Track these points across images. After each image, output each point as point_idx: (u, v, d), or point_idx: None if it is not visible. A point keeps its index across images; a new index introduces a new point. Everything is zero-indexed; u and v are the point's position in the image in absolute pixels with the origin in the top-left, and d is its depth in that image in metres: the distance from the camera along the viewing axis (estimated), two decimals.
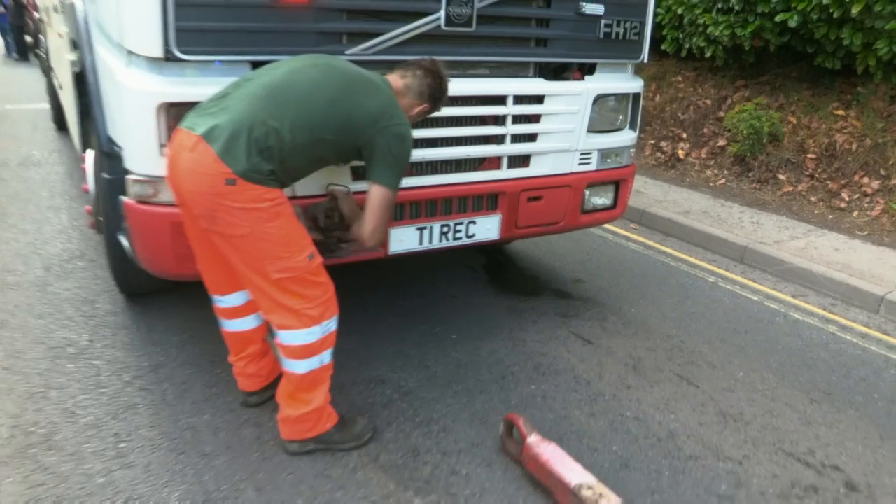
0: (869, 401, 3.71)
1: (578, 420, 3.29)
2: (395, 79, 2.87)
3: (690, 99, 8.66)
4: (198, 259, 2.90)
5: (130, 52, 2.78)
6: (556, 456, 2.74)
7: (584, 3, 3.59)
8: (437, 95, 2.93)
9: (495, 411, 3.29)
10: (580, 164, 3.92)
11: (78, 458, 2.83)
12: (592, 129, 3.92)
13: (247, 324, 3.09)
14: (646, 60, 4.07)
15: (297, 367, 2.76)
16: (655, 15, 8.20)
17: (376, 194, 2.75)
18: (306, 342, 2.71)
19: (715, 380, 3.79)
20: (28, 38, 20.10)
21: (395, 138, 2.71)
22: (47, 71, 10.01)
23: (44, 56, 12.30)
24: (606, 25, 3.73)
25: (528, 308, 4.47)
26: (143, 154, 2.85)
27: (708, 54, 8.01)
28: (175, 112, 2.78)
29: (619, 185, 4.21)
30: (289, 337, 2.71)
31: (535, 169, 3.78)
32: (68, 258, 4.84)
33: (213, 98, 2.59)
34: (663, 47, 8.67)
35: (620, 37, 3.82)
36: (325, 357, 2.82)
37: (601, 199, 4.15)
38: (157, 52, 2.69)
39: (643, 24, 3.92)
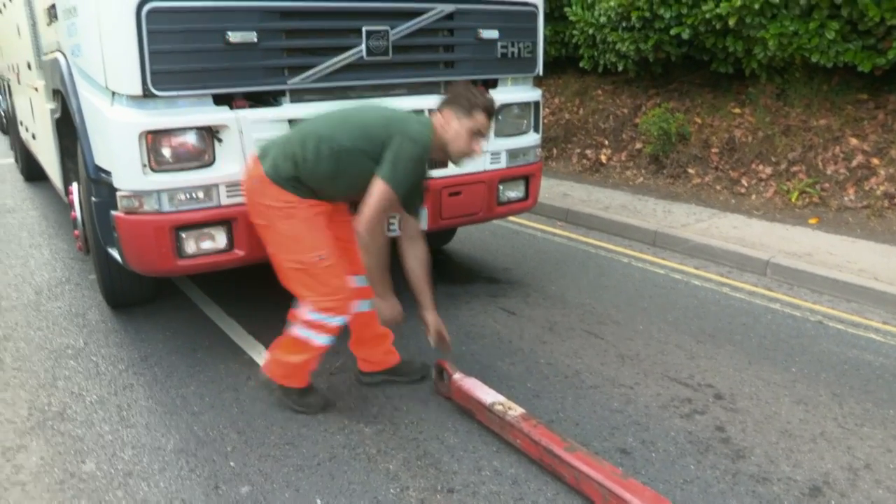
0: (745, 339, 4.48)
1: (500, 368, 4.01)
2: (436, 115, 3.23)
3: (610, 109, 9.54)
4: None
5: (114, 93, 3.50)
6: (475, 385, 3.44)
7: (481, 30, 4.37)
8: (477, 101, 3.15)
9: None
10: (492, 162, 4.68)
11: (88, 424, 3.47)
12: (500, 134, 4.68)
13: (362, 306, 3.53)
14: (541, 74, 4.87)
15: (293, 328, 3.30)
16: (571, 36, 9.15)
17: (374, 186, 3.06)
18: (308, 317, 3.24)
19: (618, 333, 4.54)
20: None
21: (406, 139, 3.05)
22: (11, 128, 10.60)
23: (4, 114, 12.84)
24: (503, 47, 4.52)
25: (462, 292, 5.20)
26: (129, 173, 3.54)
27: (620, 68, 8.91)
28: (152, 138, 3.50)
29: (528, 179, 4.97)
30: (299, 307, 3.28)
31: (454, 169, 4.52)
32: (56, 283, 5.47)
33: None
34: (582, 65, 9.56)
35: (516, 55, 4.61)
36: (319, 338, 3.28)
37: (514, 192, 4.91)
38: (137, 90, 3.41)
39: (535, 44, 4.72)
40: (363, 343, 3.71)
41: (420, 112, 3.90)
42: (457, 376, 3.52)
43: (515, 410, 3.22)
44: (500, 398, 3.33)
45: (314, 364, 3.46)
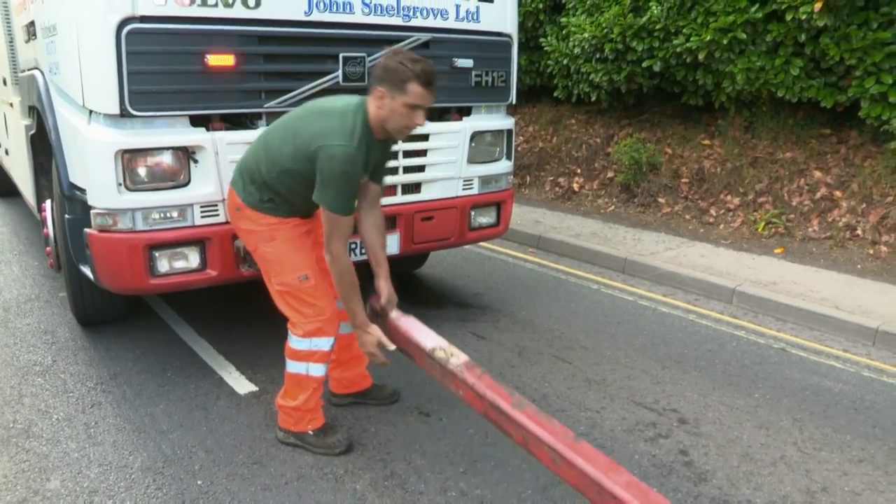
0: (710, 364, 4.57)
1: None
2: (371, 94, 3.03)
3: (583, 138, 9.69)
4: None
5: (92, 111, 3.53)
6: (414, 326, 3.24)
7: (456, 59, 4.47)
8: (410, 74, 2.90)
9: (399, 388, 4.01)
10: (464, 189, 4.76)
11: (54, 442, 3.46)
12: (473, 160, 4.77)
13: (344, 328, 3.48)
14: (514, 102, 4.97)
15: (288, 365, 3.31)
16: (546, 66, 9.30)
17: (322, 215, 3.06)
18: (295, 347, 3.27)
19: (586, 358, 4.61)
20: None
21: (327, 157, 2.92)
22: None
23: None
24: (477, 76, 4.62)
25: (433, 316, 5.24)
26: (104, 192, 3.57)
27: (594, 98, 9.06)
28: (128, 157, 3.53)
29: (500, 205, 5.05)
30: (289, 337, 3.28)
31: (426, 194, 4.60)
32: (25, 300, 5.44)
33: None
34: (556, 94, 9.71)
35: (490, 84, 4.71)
36: (312, 369, 3.27)
37: (485, 218, 4.99)
38: (115, 109, 3.45)
39: (508, 74, 4.83)
40: (340, 364, 3.71)
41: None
42: (393, 315, 3.33)
43: (459, 357, 2.99)
44: (443, 342, 3.11)
45: (318, 397, 3.42)
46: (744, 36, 6.92)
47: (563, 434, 2.59)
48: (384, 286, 3.40)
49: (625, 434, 3.67)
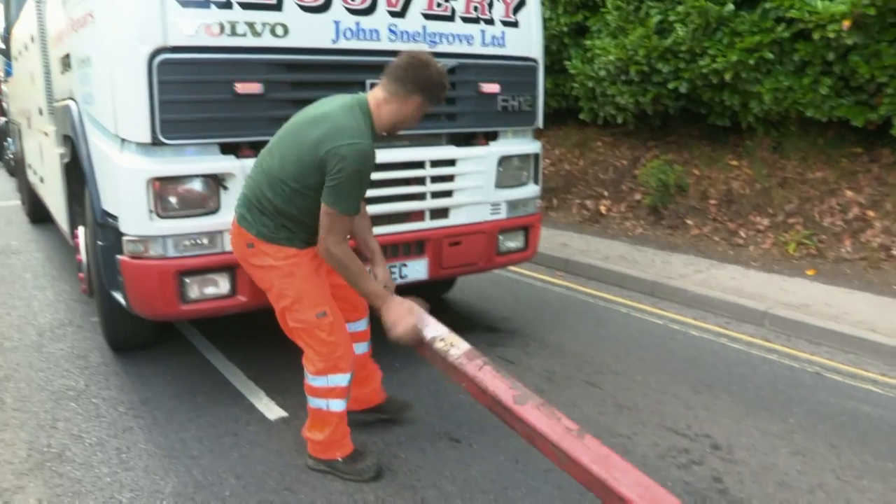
0: (743, 389, 4.50)
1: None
2: (377, 91, 3.06)
3: (609, 161, 9.68)
4: None
5: (124, 140, 3.59)
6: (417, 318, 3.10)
7: (482, 84, 4.49)
8: (425, 83, 2.99)
9: (429, 414, 4.01)
10: (492, 213, 4.76)
11: (87, 467, 3.48)
12: (500, 185, 4.77)
13: (359, 348, 3.59)
14: (541, 126, 4.98)
15: (309, 401, 3.31)
16: (571, 89, 9.32)
17: (322, 213, 2.96)
18: (313, 385, 3.26)
19: (616, 382, 4.57)
20: None
21: (335, 161, 2.86)
22: (19, 171, 10.75)
23: (12, 157, 13.02)
24: (503, 100, 4.63)
25: None
26: (135, 219, 3.62)
27: (620, 120, 9.07)
28: (160, 184, 3.58)
29: (528, 230, 5.04)
30: (305, 374, 3.28)
31: (454, 219, 4.60)
32: (58, 325, 5.51)
33: None
34: (581, 117, 9.73)
35: (516, 109, 4.72)
36: (333, 405, 3.26)
37: (513, 242, 4.98)
38: (146, 138, 3.50)
39: (535, 98, 4.84)
40: (356, 383, 3.64)
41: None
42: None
43: (459, 347, 2.90)
44: (443, 331, 3.01)
45: (343, 427, 3.39)
46: (770, 56, 6.90)
47: (566, 430, 2.50)
48: (380, 272, 3.41)
49: (657, 460, 3.62)
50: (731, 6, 7.12)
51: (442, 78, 3.05)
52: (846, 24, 6.12)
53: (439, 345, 2.94)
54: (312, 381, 3.26)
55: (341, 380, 3.25)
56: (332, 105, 3.05)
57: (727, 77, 7.23)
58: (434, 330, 3.02)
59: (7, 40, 8.27)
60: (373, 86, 3.94)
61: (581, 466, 2.40)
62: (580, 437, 2.49)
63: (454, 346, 2.91)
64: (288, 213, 3.06)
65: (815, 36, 6.50)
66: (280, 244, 3.10)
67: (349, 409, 3.68)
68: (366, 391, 3.77)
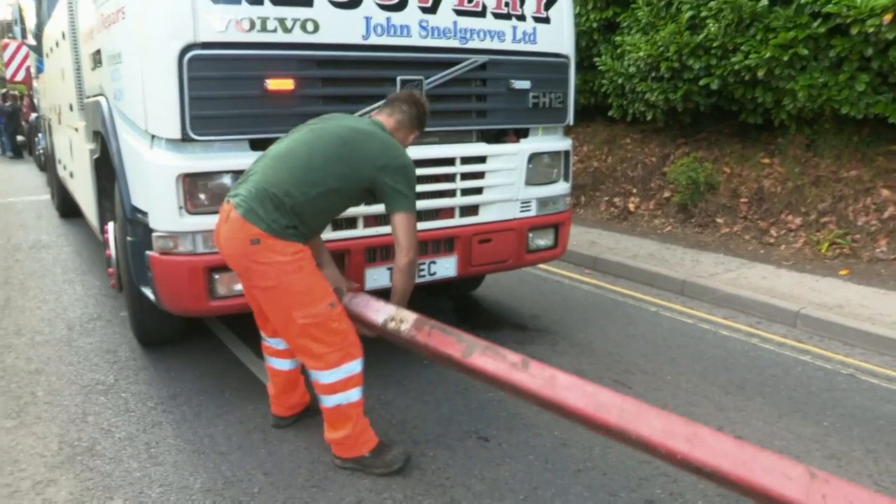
0: (775, 391, 4.42)
1: (527, 415, 3.99)
2: (385, 118, 3.40)
3: (638, 158, 9.58)
4: (251, 305, 3.49)
5: (154, 136, 3.60)
6: (365, 303, 3.30)
7: (513, 81, 4.44)
8: (423, 120, 3.50)
9: (458, 413, 3.99)
10: (522, 211, 4.71)
11: (117, 461, 3.50)
12: (530, 182, 4.72)
13: (285, 365, 3.64)
14: (572, 123, 4.92)
15: (326, 401, 3.28)
16: (601, 85, 9.24)
17: (401, 220, 3.21)
18: (330, 381, 3.22)
19: (646, 382, 4.51)
20: (20, 138, 21.22)
21: (397, 171, 3.19)
22: (49, 166, 10.89)
23: (42, 153, 13.19)
24: (534, 97, 4.58)
25: (489, 338, 5.13)
26: (165, 215, 3.62)
27: (649, 117, 8.97)
28: (189, 181, 3.58)
29: (558, 227, 4.99)
30: (316, 375, 3.25)
31: (484, 216, 4.56)
32: (88, 319, 5.55)
33: (244, 173, 3.25)
34: (610, 114, 9.64)
35: (547, 105, 4.67)
36: (351, 395, 3.25)
37: (543, 240, 4.93)
38: (176, 134, 3.50)
39: (566, 95, 4.79)
40: (285, 392, 3.77)
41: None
42: (346, 298, 3.36)
43: (408, 321, 3.06)
44: (390, 311, 3.17)
45: (363, 418, 3.40)
46: (805, 52, 6.77)
47: (511, 366, 2.71)
48: (329, 272, 3.45)
49: None
50: (765, 1, 6.99)
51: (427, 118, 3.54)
52: (887, 18, 5.98)
53: (392, 326, 3.09)
54: (327, 377, 3.22)
55: (356, 366, 3.26)
56: (364, 123, 3.36)
57: (760, 74, 7.11)
58: (384, 313, 3.18)
59: (39, 38, 8.36)
60: (404, 82, 3.95)
61: (531, 393, 2.60)
62: (525, 368, 2.68)
63: (403, 321, 3.07)
64: (303, 213, 3.11)
65: (853, 31, 6.36)
66: (289, 239, 3.08)
67: (281, 416, 3.80)
68: (297, 396, 3.81)
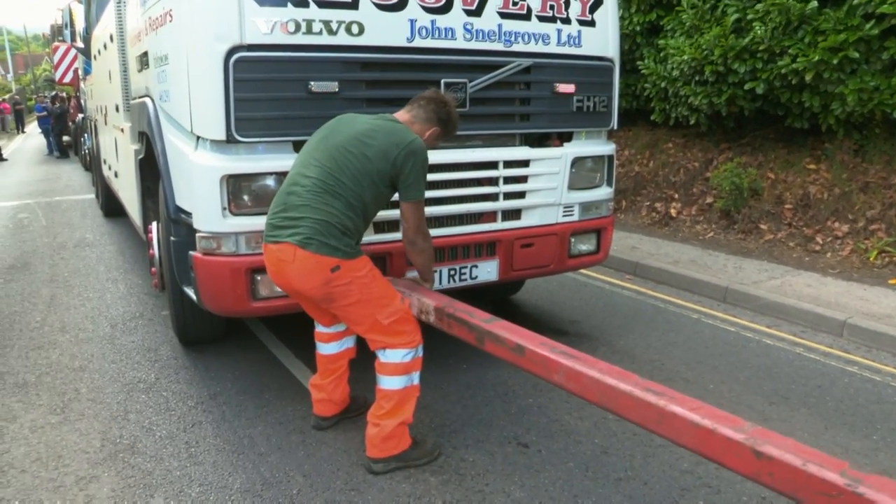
0: (821, 402, 4.32)
1: (567, 422, 3.94)
2: (402, 114, 3.44)
3: (680, 163, 9.45)
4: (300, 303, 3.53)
5: (199, 137, 3.62)
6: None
7: (557, 84, 4.40)
8: (444, 118, 3.44)
9: (497, 418, 3.96)
10: (564, 215, 4.66)
11: (158, 459, 3.53)
12: (573, 187, 4.67)
13: (336, 347, 3.72)
14: (615, 128, 4.86)
15: (390, 382, 3.32)
16: (643, 89, 9.14)
17: (408, 210, 3.35)
18: (406, 360, 3.31)
19: (688, 391, 4.39)
20: (66, 139, 21.68)
21: (408, 158, 3.22)
22: (94, 165, 11.08)
23: (88, 153, 13.43)
24: (578, 101, 4.53)
25: None
26: (209, 216, 3.64)
27: (692, 122, 8.84)
28: (233, 182, 3.60)
29: (600, 233, 4.93)
30: (391, 355, 3.30)
31: (526, 220, 4.52)
32: (130, 318, 5.63)
33: (274, 210, 3.21)
34: (653, 118, 9.53)
35: (591, 109, 4.61)
36: (415, 378, 3.39)
37: (585, 245, 4.87)
38: (221, 136, 3.52)
39: (610, 98, 4.72)
40: (338, 381, 3.81)
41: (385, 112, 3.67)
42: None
43: (431, 314, 3.40)
44: (415, 304, 3.48)
45: (413, 411, 3.47)
46: (856, 55, 6.62)
47: (483, 321, 3.17)
48: None
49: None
50: (814, 3, 6.84)
51: (457, 118, 3.54)
52: None
53: (423, 318, 3.46)
54: (403, 356, 3.32)
55: (421, 350, 3.42)
56: (368, 119, 3.38)
57: (808, 78, 6.96)
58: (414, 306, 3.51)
59: (87, 41, 8.51)
60: (448, 85, 3.93)
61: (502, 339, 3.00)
62: (488, 323, 3.12)
63: (429, 314, 3.43)
64: (360, 226, 3.27)
65: None
66: (358, 256, 3.21)
67: (323, 416, 3.83)
68: (344, 391, 3.83)
